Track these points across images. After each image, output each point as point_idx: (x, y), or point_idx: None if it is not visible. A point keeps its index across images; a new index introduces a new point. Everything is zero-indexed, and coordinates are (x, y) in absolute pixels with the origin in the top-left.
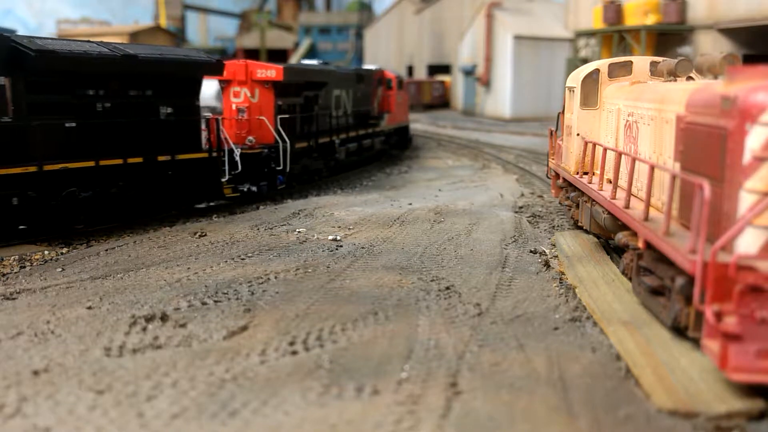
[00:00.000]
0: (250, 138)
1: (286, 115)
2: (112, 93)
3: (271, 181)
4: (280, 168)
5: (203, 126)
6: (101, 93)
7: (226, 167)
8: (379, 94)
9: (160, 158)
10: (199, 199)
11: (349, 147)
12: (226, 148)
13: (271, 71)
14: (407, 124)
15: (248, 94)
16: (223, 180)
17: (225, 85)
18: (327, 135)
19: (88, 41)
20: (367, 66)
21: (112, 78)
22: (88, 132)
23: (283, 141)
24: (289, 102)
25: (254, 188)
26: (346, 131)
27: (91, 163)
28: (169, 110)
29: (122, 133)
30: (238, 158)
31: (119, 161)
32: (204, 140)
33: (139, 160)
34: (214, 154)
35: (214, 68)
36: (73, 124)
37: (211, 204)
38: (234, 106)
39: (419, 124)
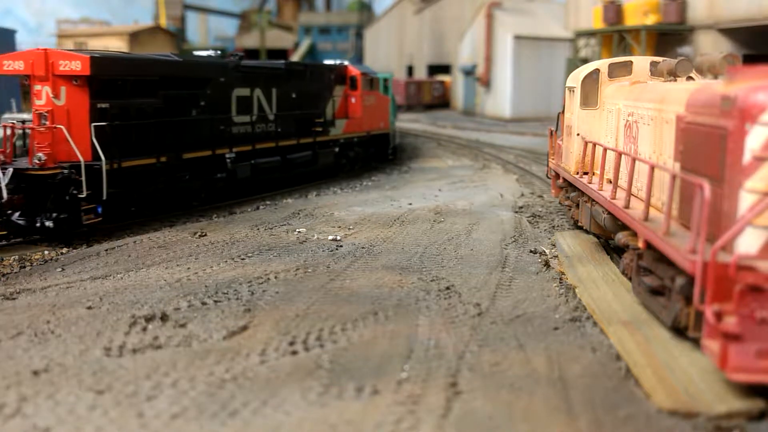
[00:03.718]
0: (39, 155)
1: (114, 123)
2: None
3: (73, 213)
4: (83, 195)
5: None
6: None
7: None
8: (337, 95)
9: None
10: None
11: (260, 162)
12: None
13: (75, 62)
14: (388, 131)
15: (50, 94)
16: None
17: (27, 81)
18: (208, 147)
19: None
20: (327, 61)
21: None
22: None
23: (97, 159)
24: (128, 104)
25: (49, 223)
26: (252, 141)
27: None
28: None
29: None
30: (3, 184)
31: None
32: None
33: None
34: None
35: None
36: None
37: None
38: (36, 111)
39: (419, 124)
